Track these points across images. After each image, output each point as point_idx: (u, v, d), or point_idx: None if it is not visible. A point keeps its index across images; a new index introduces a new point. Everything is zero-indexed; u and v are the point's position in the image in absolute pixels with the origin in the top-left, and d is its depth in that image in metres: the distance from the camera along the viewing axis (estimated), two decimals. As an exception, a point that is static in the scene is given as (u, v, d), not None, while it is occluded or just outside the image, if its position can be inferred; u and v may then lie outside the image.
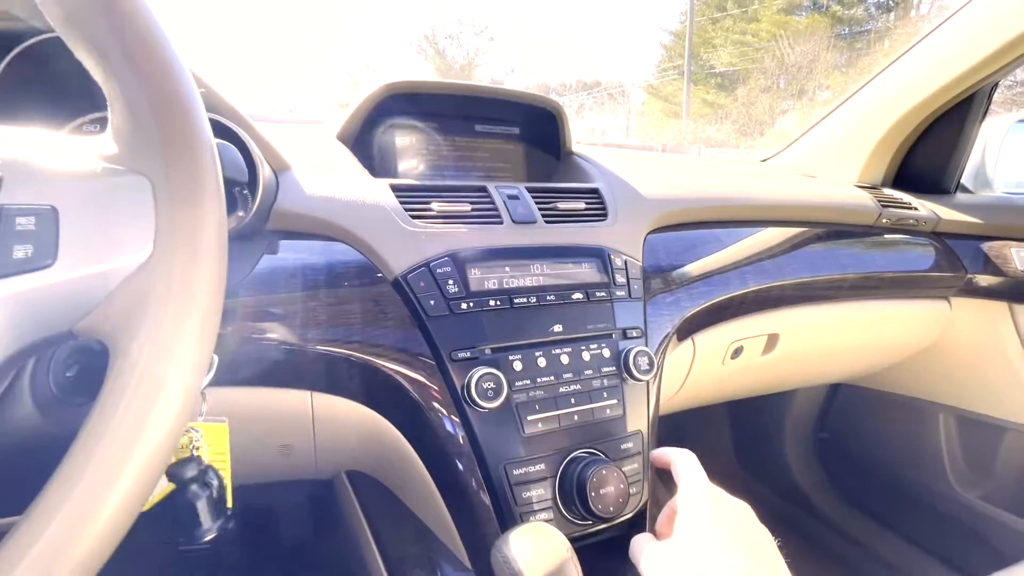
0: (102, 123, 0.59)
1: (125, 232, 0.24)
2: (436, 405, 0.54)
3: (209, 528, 0.42)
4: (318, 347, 0.53)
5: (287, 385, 0.54)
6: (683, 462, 0.48)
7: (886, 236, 1.05)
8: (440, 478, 0.56)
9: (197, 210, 0.25)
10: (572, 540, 0.54)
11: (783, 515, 1.39)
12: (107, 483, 0.22)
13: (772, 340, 0.89)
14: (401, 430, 0.56)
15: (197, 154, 0.26)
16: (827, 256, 0.95)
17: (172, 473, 0.40)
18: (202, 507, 0.41)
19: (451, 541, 0.59)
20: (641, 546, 0.44)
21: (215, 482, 0.44)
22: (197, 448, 0.41)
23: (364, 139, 0.78)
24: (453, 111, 0.86)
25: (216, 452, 0.41)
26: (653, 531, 0.49)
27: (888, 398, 1.29)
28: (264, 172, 0.56)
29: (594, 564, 0.55)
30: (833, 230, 1.00)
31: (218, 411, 0.52)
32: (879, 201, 1.05)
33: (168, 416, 0.24)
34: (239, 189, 0.59)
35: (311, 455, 0.63)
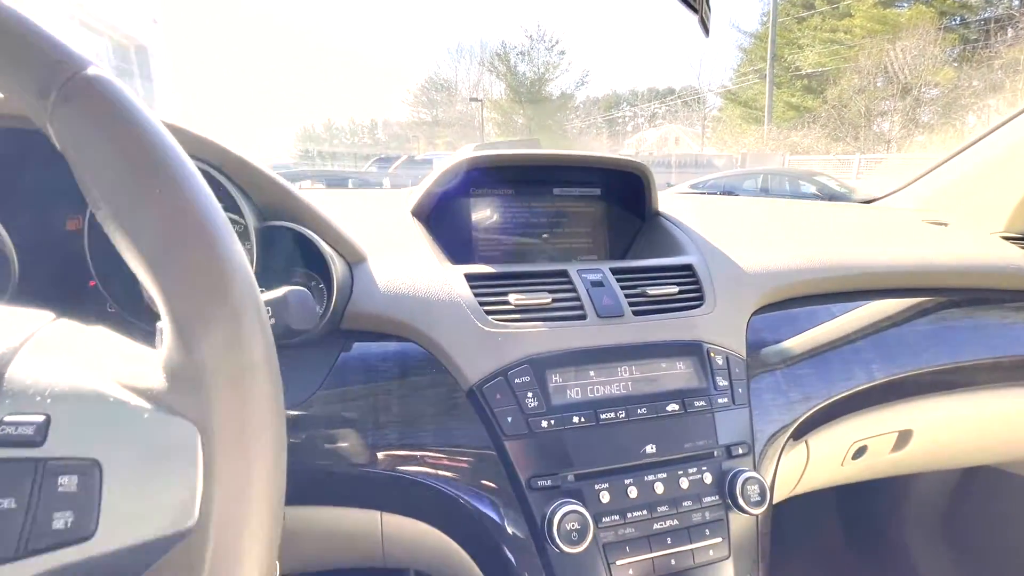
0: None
1: (169, 495, 0.21)
2: (514, 540, 0.48)
3: None
4: (389, 470, 0.49)
5: (356, 504, 0.51)
6: None
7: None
8: (517, 620, 0.50)
9: (246, 473, 0.22)
10: None
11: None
12: None
13: (904, 437, 0.75)
14: (475, 560, 0.51)
15: (252, 402, 0.22)
16: (972, 332, 0.80)
17: None
18: None
19: None
20: None
21: None
22: None
23: (439, 211, 0.75)
24: (530, 176, 0.82)
25: None
26: None
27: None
28: (338, 274, 0.54)
29: None
30: (975, 297, 0.84)
31: (284, 528, 0.50)
32: (1040, 259, 0.87)
33: None
34: (315, 283, 0.58)
35: (379, 559, 0.59)
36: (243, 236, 0.56)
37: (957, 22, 14.42)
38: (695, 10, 0.52)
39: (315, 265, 0.55)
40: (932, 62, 13.02)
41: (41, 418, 0.20)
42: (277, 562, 0.40)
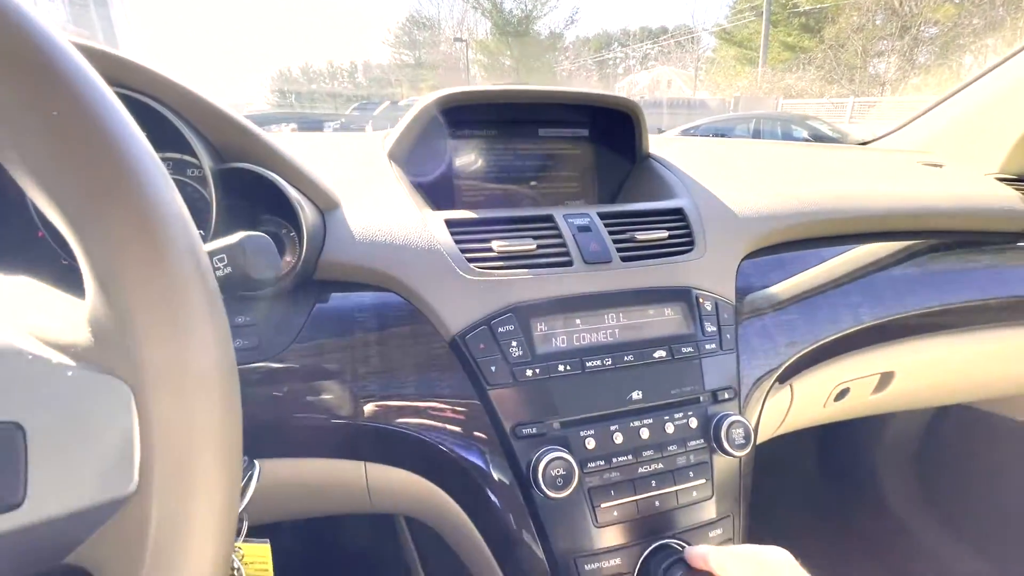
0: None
1: (103, 459, 0.19)
2: (499, 487, 0.48)
3: None
4: (370, 421, 0.48)
5: (338, 456, 0.50)
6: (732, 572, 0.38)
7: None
8: (503, 562, 0.51)
9: (188, 430, 0.20)
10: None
11: (872, 533, 1.26)
12: None
13: (885, 379, 0.76)
14: (462, 507, 0.51)
15: (190, 350, 0.20)
16: (959, 275, 0.79)
17: None
18: None
19: None
20: None
21: None
22: (239, 569, 0.37)
23: (417, 154, 0.71)
24: (514, 116, 0.77)
25: (258, 567, 0.38)
26: None
27: (1010, 424, 1.11)
28: (308, 221, 0.51)
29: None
30: (966, 240, 0.83)
31: (267, 481, 0.49)
32: (1032, 201, 0.86)
33: None
34: (286, 231, 0.55)
35: (367, 506, 0.60)
36: (201, 181, 0.52)
37: (963, -46, 13.77)
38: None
39: (284, 212, 0.51)
40: (933, -2, 12.53)
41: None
42: (245, 519, 0.39)
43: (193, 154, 0.49)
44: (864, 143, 1.29)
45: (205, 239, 0.48)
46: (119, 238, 0.19)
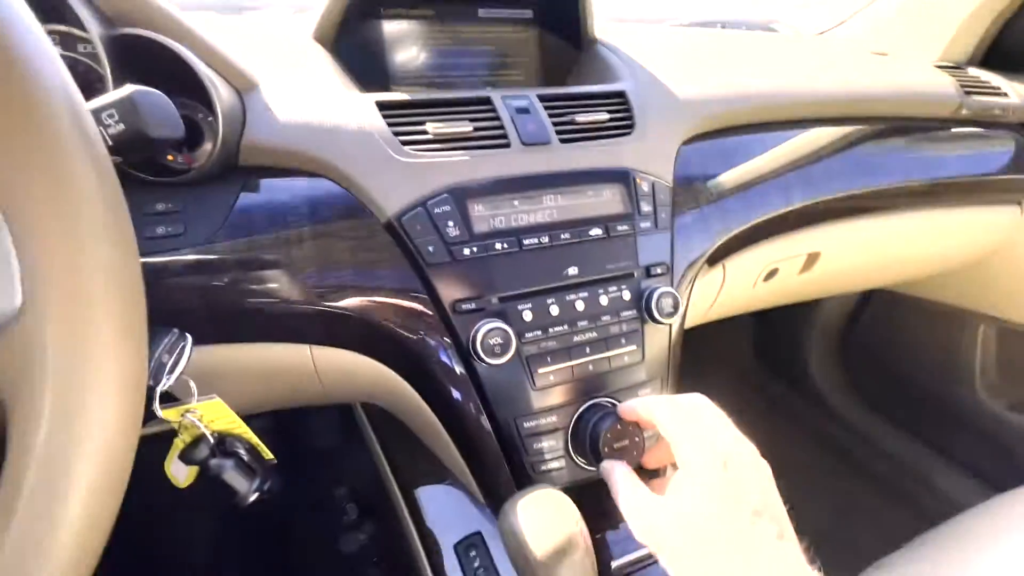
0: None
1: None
2: (441, 359, 0.51)
3: (247, 492, 0.42)
4: (309, 302, 0.49)
5: (282, 340, 0.51)
6: (671, 418, 0.40)
7: (959, 131, 0.90)
8: (450, 427, 0.54)
9: (67, 239, 0.19)
10: (584, 486, 0.54)
11: (800, 415, 1.42)
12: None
13: (812, 259, 0.81)
14: (407, 381, 0.54)
15: (58, 163, 0.19)
16: (888, 159, 0.83)
17: (185, 458, 0.39)
18: (230, 477, 0.41)
19: (463, 476, 0.60)
20: (628, 499, 0.40)
21: (239, 447, 0.43)
22: (200, 427, 0.39)
23: (347, 36, 0.66)
24: (450, -6, 0.71)
25: (226, 422, 0.40)
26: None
27: (925, 305, 1.22)
28: (223, 100, 0.47)
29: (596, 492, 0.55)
30: (899, 125, 0.86)
31: (213, 368, 0.50)
32: (962, 86, 0.88)
33: (86, 462, 0.20)
34: (203, 116, 0.51)
35: (323, 396, 0.62)
36: (96, 59, 0.47)
37: None
38: None
39: (197, 94, 0.48)
40: None
41: None
42: (191, 383, 0.40)
43: (80, 25, 0.44)
44: (822, 32, 1.27)
45: None
46: None
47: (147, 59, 0.45)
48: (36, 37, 0.20)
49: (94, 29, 0.42)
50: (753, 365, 1.52)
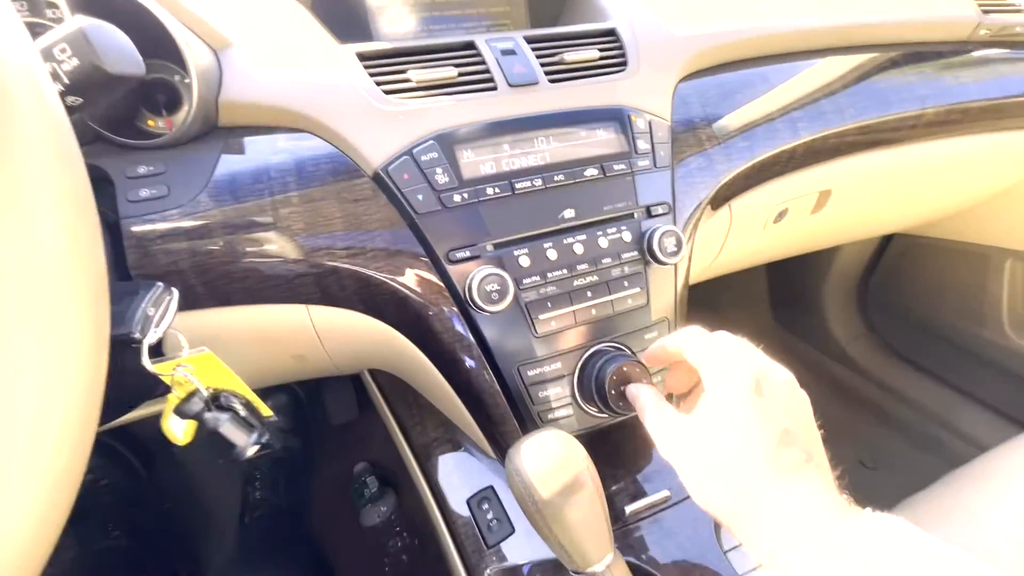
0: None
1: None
2: (439, 311, 0.50)
3: (245, 444, 0.41)
4: (300, 260, 0.48)
5: (277, 301, 0.50)
6: (699, 343, 0.38)
7: (978, 54, 0.85)
8: (454, 381, 0.53)
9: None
10: (593, 432, 0.53)
11: (820, 367, 1.39)
12: None
13: (823, 197, 0.78)
14: (407, 336, 0.53)
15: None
16: (901, 88, 0.78)
17: (180, 412, 0.38)
18: (227, 430, 0.40)
19: (472, 434, 0.59)
20: (655, 419, 0.39)
21: (235, 402, 0.43)
22: (192, 381, 0.38)
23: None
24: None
25: (219, 378, 0.39)
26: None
27: (948, 246, 1.18)
28: (197, 58, 0.46)
29: (607, 439, 0.54)
30: (913, 51, 0.81)
31: (211, 332, 0.49)
32: (980, 5, 0.83)
33: (37, 403, 0.19)
34: (180, 78, 0.50)
35: (328, 362, 0.61)
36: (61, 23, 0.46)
37: None
38: None
39: (170, 54, 0.46)
40: None
41: None
42: (182, 337, 0.39)
43: None
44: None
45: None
46: None
47: (116, 19, 0.44)
48: None
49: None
50: (769, 319, 1.49)
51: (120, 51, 0.31)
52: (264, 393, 0.47)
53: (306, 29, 0.55)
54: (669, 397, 0.42)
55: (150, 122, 0.50)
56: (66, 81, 0.29)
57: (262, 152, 0.49)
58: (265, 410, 0.41)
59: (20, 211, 0.19)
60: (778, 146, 0.67)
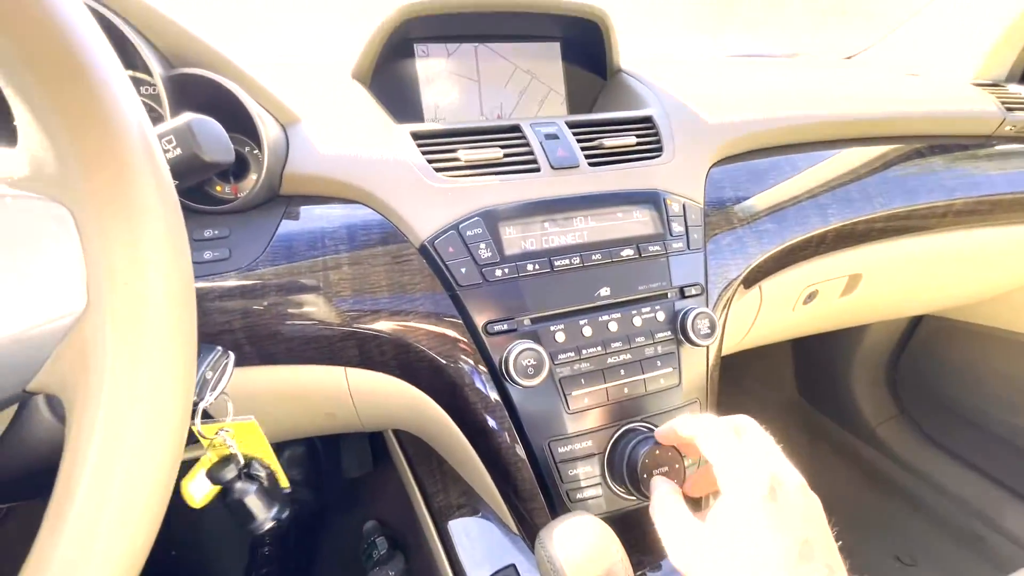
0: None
1: (52, 278, 0.19)
2: (474, 381, 0.50)
3: (264, 519, 0.41)
4: (345, 326, 0.50)
5: (318, 362, 0.52)
6: (713, 438, 0.38)
7: (1004, 147, 0.87)
8: (482, 452, 0.53)
9: (132, 248, 0.20)
10: (625, 516, 0.52)
11: (849, 450, 1.33)
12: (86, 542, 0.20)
13: (853, 280, 0.79)
14: (440, 404, 0.53)
15: (127, 174, 0.20)
16: (929, 178, 0.80)
17: (213, 477, 0.39)
18: (252, 501, 0.41)
19: (496, 506, 0.58)
20: (669, 521, 0.38)
21: (262, 472, 0.43)
22: (231, 447, 0.39)
23: (383, 73, 0.70)
24: (481, 29, 0.75)
25: (254, 446, 0.40)
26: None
27: (980, 330, 1.15)
28: (268, 133, 0.50)
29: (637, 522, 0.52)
30: (938, 144, 0.84)
31: (252, 389, 0.51)
32: (1004, 103, 0.86)
33: (135, 470, 0.21)
34: (250, 149, 0.54)
35: (356, 420, 0.62)
36: (156, 100, 0.51)
37: None
38: None
39: (245, 127, 0.51)
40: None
41: None
42: (229, 401, 0.41)
43: (146, 69, 0.48)
44: (848, 58, 1.27)
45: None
46: (59, 87, 0.19)
47: (201, 96, 0.49)
48: (116, 65, 0.21)
49: (156, 69, 0.45)
50: (795, 396, 1.46)
51: (218, 142, 0.34)
52: (283, 442, 0.48)
53: (366, 108, 0.60)
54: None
55: (218, 188, 0.54)
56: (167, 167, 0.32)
57: (318, 220, 0.52)
58: (284, 482, 0.42)
59: (148, 304, 0.21)
60: (808, 231, 0.69)
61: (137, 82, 0.52)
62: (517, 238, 0.53)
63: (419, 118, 0.72)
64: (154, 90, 0.51)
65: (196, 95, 0.49)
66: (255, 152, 0.53)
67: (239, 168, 0.54)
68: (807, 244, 0.69)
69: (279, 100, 0.54)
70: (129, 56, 0.47)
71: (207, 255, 0.48)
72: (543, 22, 0.76)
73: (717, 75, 0.93)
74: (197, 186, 0.53)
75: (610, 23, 0.74)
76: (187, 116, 0.34)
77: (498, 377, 0.50)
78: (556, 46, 0.79)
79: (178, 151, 0.33)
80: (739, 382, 1.34)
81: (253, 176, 0.53)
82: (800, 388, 1.47)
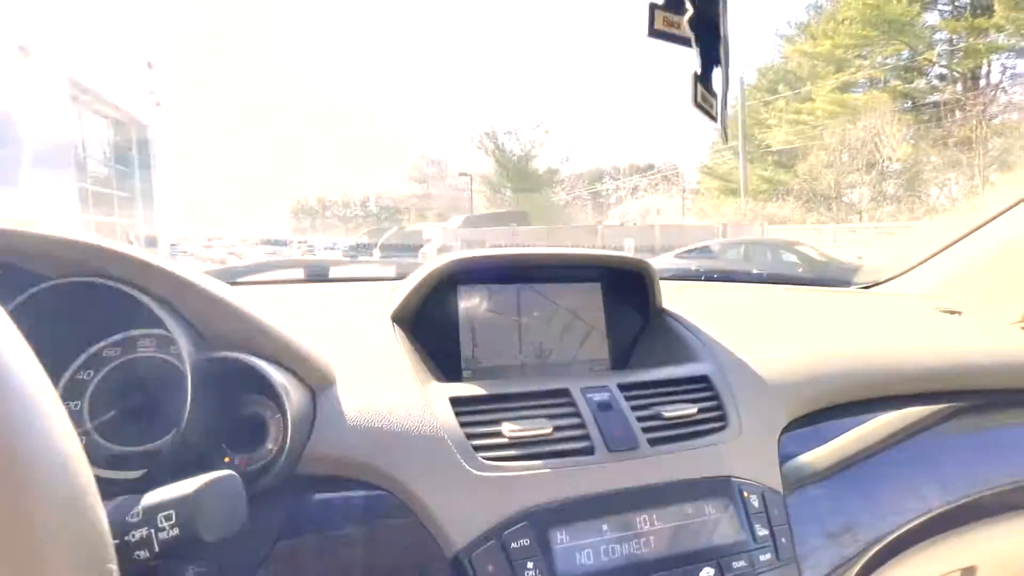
0: (124, 345, 0.51)
1: None
2: None
3: None
4: None
5: None
6: None
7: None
8: None
9: None
10: None
11: None
12: None
13: (967, 575, 0.64)
14: None
15: None
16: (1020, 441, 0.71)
17: None
18: None
19: None
20: None
21: None
22: None
23: (424, 315, 0.68)
24: (525, 274, 0.75)
25: None
26: None
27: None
28: (294, 408, 0.45)
29: None
30: (1008, 400, 0.76)
31: None
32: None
33: None
34: (271, 414, 0.48)
35: None
36: (180, 359, 0.47)
37: (909, 106, 15.57)
38: (714, 119, 0.49)
39: (270, 393, 0.46)
40: (890, 140, 13.89)
41: None
42: None
43: (173, 346, 0.44)
44: (870, 285, 1.28)
45: (178, 432, 0.41)
46: None
47: (228, 366, 0.45)
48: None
49: (186, 352, 0.42)
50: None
51: (230, 516, 0.28)
52: None
53: (404, 363, 0.56)
54: None
55: (225, 459, 0.47)
56: (156, 550, 0.25)
57: (336, 511, 0.44)
58: None
59: None
60: (907, 521, 0.58)
61: (169, 341, 0.49)
62: (570, 548, 0.43)
63: (457, 357, 0.69)
64: (179, 372, 0.45)
65: (224, 365, 0.45)
66: (276, 416, 0.47)
67: (253, 434, 0.48)
68: (905, 535, 0.58)
69: (314, 361, 0.50)
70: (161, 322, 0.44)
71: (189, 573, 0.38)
72: (586, 267, 0.77)
73: (757, 312, 0.92)
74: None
75: (653, 272, 0.74)
76: (199, 481, 0.28)
77: None
78: (597, 286, 0.78)
79: (175, 531, 0.26)
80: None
81: (270, 446, 0.46)
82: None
